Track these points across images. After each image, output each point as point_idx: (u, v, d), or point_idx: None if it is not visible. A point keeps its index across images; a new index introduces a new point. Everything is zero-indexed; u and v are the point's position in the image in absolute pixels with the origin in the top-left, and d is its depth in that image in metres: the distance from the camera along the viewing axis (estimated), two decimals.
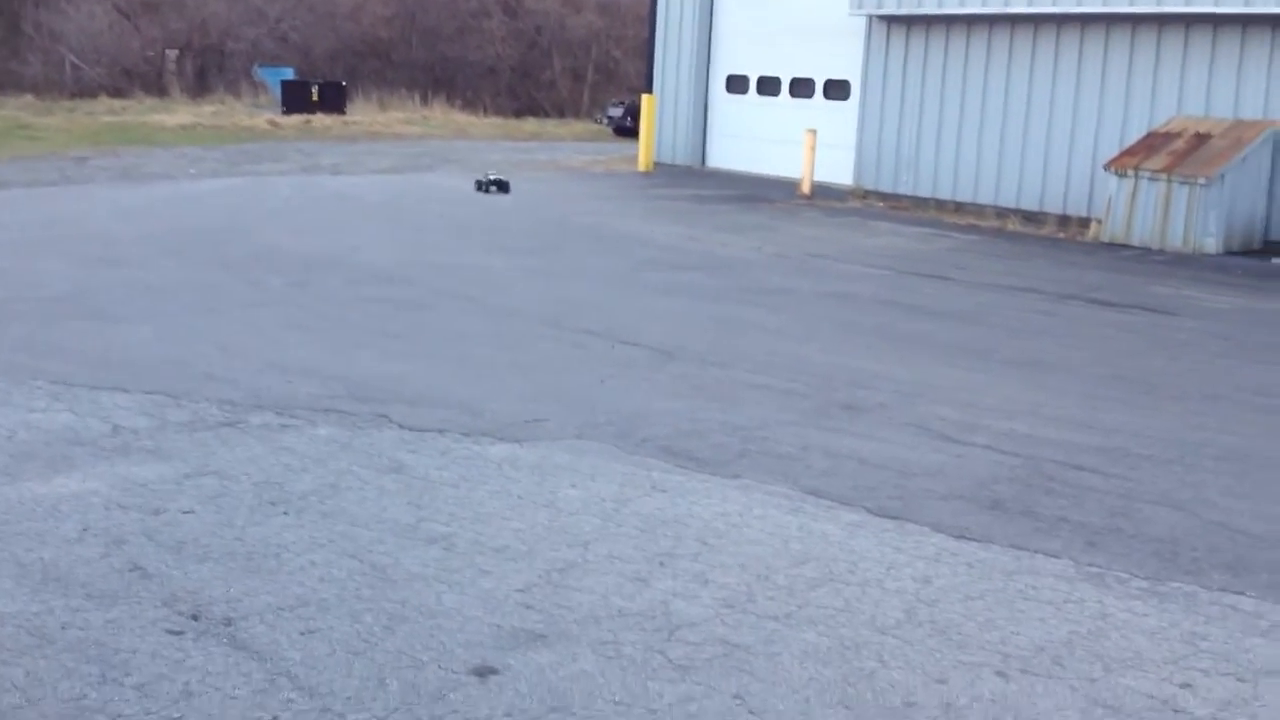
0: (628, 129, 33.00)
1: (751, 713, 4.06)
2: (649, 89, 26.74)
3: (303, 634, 4.48)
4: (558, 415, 7.60)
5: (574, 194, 21.51)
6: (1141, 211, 16.56)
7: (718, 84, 26.31)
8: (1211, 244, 15.89)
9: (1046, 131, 18.87)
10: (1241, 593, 5.24)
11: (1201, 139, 16.42)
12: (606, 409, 7.81)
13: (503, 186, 19.67)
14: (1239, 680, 4.44)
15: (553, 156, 28.75)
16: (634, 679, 4.24)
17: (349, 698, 4.04)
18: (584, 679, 4.23)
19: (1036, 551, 5.64)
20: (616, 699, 4.11)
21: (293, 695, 4.05)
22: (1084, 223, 17.76)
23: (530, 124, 39.31)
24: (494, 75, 45.44)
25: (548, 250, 14.86)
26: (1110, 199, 16.96)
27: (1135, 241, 16.52)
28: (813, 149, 21.77)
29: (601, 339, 9.89)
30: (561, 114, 44.18)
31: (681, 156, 26.51)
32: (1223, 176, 15.80)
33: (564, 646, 4.47)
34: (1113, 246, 16.55)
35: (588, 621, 4.68)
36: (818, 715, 4.05)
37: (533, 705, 4.05)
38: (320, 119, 34.69)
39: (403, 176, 22.84)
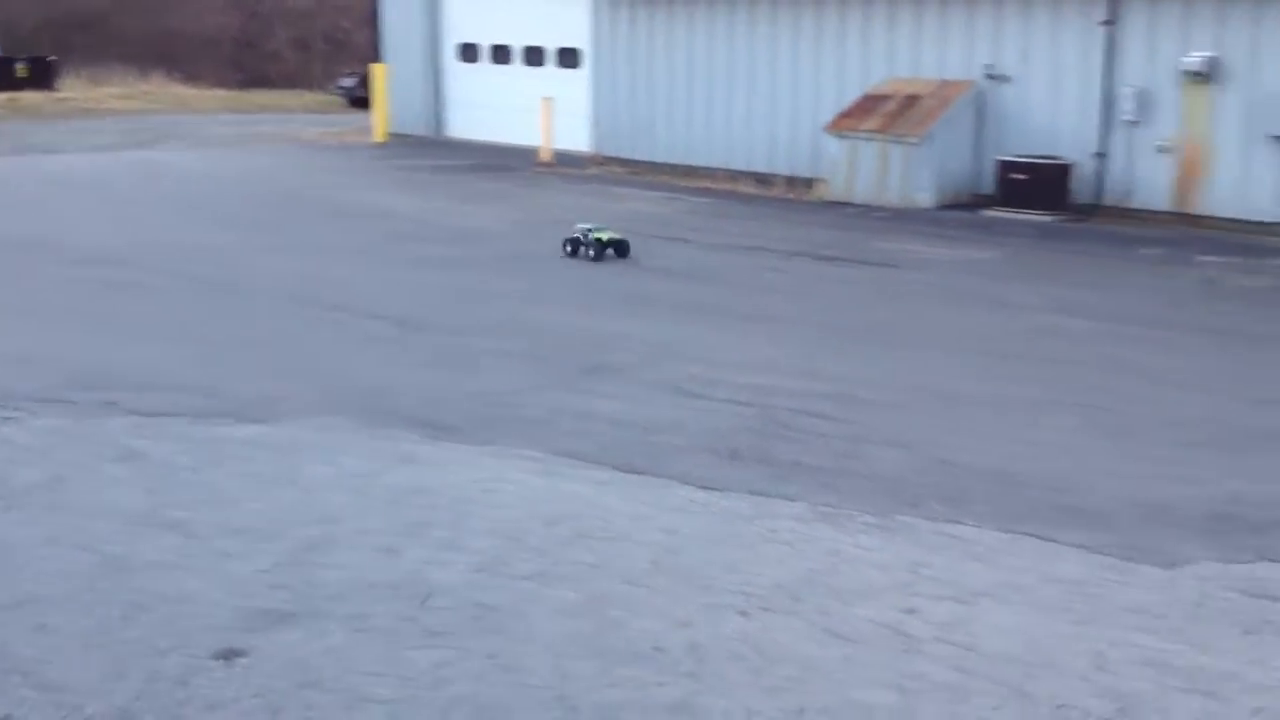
0: (362, 100, 32.30)
1: (505, 670, 4.12)
2: (379, 59, 26.24)
3: (34, 630, 4.29)
4: (301, 392, 7.45)
5: (308, 167, 20.95)
6: (861, 171, 17.35)
7: (450, 52, 26.05)
8: (926, 199, 16.80)
9: (771, 96, 19.52)
10: (960, 522, 5.62)
11: (912, 100, 17.30)
12: (352, 383, 7.70)
13: None
14: (959, 602, 4.77)
15: (284, 129, 27.89)
16: (387, 649, 4.25)
17: (87, 689, 3.90)
18: (335, 654, 4.21)
19: (774, 496, 5.90)
20: (370, 670, 4.10)
21: (27, 692, 3.88)
22: (810, 183, 18.48)
23: (259, 96, 37.95)
24: (215, 46, 43.61)
25: (283, 226, 14.46)
26: (832, 160, 17.71)
27: (857, 199, 17.30)
28: (550, 117, 21.85)
29: (344, 313, 9.72)
30: (292, 85, 42.82)
31: (418, 127, 26.15)
32: (932, 135, 16.71)
33: (314, 623, 4.42)
34: (837, 205, 17.29)
35: (338, 597, 4.65)
36: (570, 667, 4.15)
37: (282, 684, 4.00)
38: (29, 96, 32.56)
39: (122, 153, 21.73)
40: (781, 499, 5.86)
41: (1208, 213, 15.36)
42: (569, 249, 12.53)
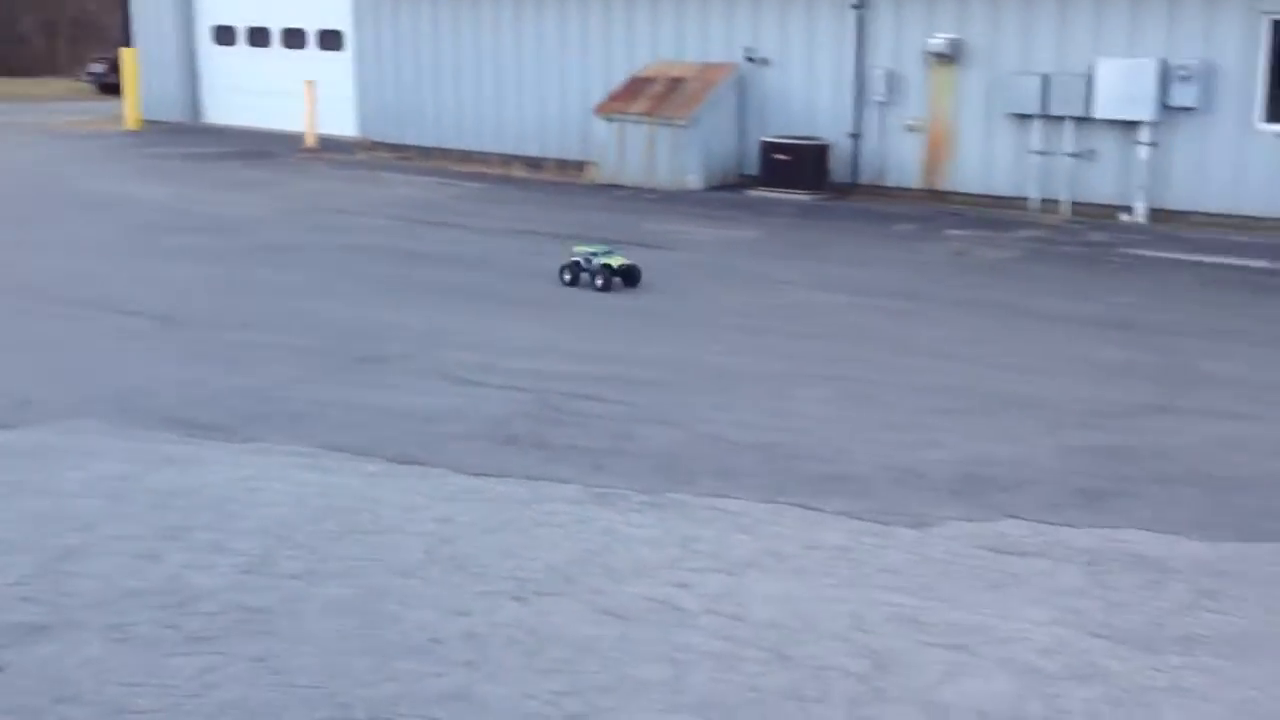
0: (113, 86, 30.80)
1: (274, 672, 4.04)
2: (130, 43, 25.08)
3: None
4: (52, 395, 7.10)
5: (58, 157, 19.89)
6: (630, 153, 17.56)
7: (204, 35, 25.11)
8: (694, 181, 17.13)
9: (540, 79, 19.53)
10: (729, 496, 5.78)
11: (677, 82, 17.60)
12: (107, 384, 7.37)
13: None
14: (727, 574, 4.92)
15: (30, 119, 26.37)
16: (148, 657, 4.10)
17: None
18: (93, 665, 4.04)
19: (549, 480, 5.94)
20: (130, 680, 3.96)
21: None
22: (581, 166, 18.59)
23: (2, 85, 35.74)
24: None
25: (28, 219, 13.69)
26: (602, 143, 17.86)
27: (628, 182, 17.51)
28: (313, 101, 21.32)
29: (97, 310, 9.29)
30: (39, 73, 40.50)
31: (173, 113, 25.13)
32: (697, 117, 17.04)
33: (70, 635, 4.24)
34: (609, 187, 17.45)
35: (95, 606, 4.46)
36: (342, 665, 4.10)
37: (38, 699, 3.83)
38: None
39: None
40: (556, 482, 5.91)
41: (955, 189, 16.15)
42: (567, 278, 10.65)
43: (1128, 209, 14.83)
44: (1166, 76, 14.40)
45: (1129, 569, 4.97)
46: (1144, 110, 14.47)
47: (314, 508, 5.50)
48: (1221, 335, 9.29)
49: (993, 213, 15.28)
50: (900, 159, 16.57)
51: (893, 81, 16.38)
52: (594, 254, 10.68)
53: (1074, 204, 15.24)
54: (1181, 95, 14.39)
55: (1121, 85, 14.57)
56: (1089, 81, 14.81)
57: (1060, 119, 15.16)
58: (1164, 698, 3.97)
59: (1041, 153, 15.35)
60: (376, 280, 10.87)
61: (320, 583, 4.73)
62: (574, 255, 10.76)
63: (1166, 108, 14.49)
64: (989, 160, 15.91)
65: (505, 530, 5.31)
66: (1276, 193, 14.21)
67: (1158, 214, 14.68)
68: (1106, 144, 15.05)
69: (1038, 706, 3.91)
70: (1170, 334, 9.28)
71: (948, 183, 16.24)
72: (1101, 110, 14.75)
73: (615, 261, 10.60)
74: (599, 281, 10.52)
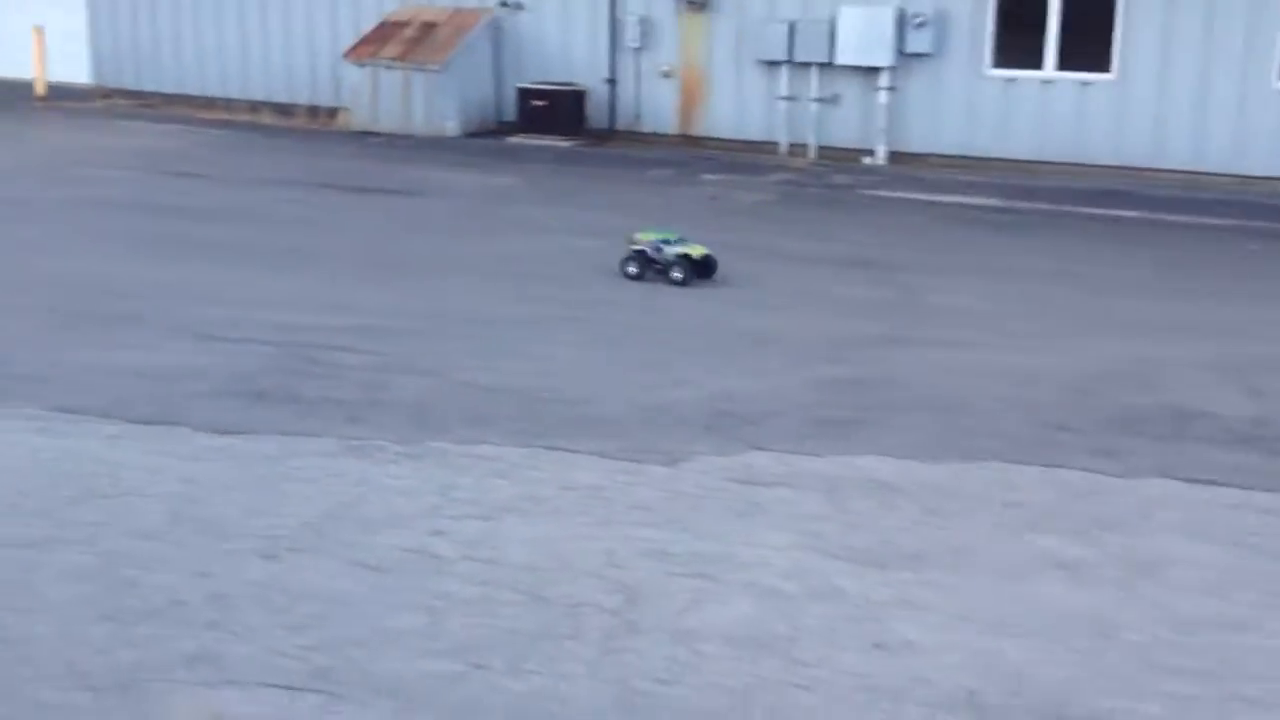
0: None
1: (8, 644, 3.88)
2: None
3: None
4: None
5: None
6: (385, 99, 17.22)
7: None
8: (451, 127, 16.94)
9: (284, 23, 18.88)
10: (486, 442, 5.81)
11: (429, 27, 17.32)
12: None
13: None
14: (484, 520, 4.95)
15: None
16: None
17: None
18: None
19: (300, 434, 5.84)
20: None
21: None
22: (334, 113, 18.12)
23: None
24: None
25: None
26: (354, 88, 17.44)
27: (382, 128, 17.17)
28: (43, 47, 20.05)
29: None
30: None
31: None
32: (452, 63, 16.83)
33: None
34: (363, 134, 17.08)
35: None
36: (80, 633, 3.97)
37: None
38: None
39: None
40: (308, 436, 5.81)
41: (709, 134, 16.48)
42: (632, 270, 9.09)
43: (870, 152, 15.44)
44: (903, 23, 15.01)
45: (864, 493, 5.24)
46: (882, 56, 15.06)
47: (50, 473, 5.26)
48: (952, 270, 9.83)
49: (745, 157, 15.66)
50: (656, 105, 16.77)
51: (646, 28, 16.53)
52: (664, 241, 9.10)
53: (820, 148, 15.76)
54: (917, 42, 15.03)
55: (861, 32, 15.12)
56: (832, 29, 15.30)
57: (806, 65, 15.62)
58: (893, 611, 4.22)
59: (789, 98, 15.79)
60: (117, 234, 10.38)
61: (56, 550, 4.54)
62: (636, 244, 9.13)
63: (903, 54, 15.11)
64: (741, 106, 16.28)
65: (254, 488, 5.20)
66: (1004, 134, 15.04)
67: (897, 156, 15.34)
68: (849, 90, 15.61)
69: (779, 626, 4.10)
70: (906, 270, 9.75)
71: (702, 128, 16.54)
72: (843, 57, 15.27)
73: (695, 251, 9.05)
74: (677, 274, 8.94)
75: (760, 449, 5.74)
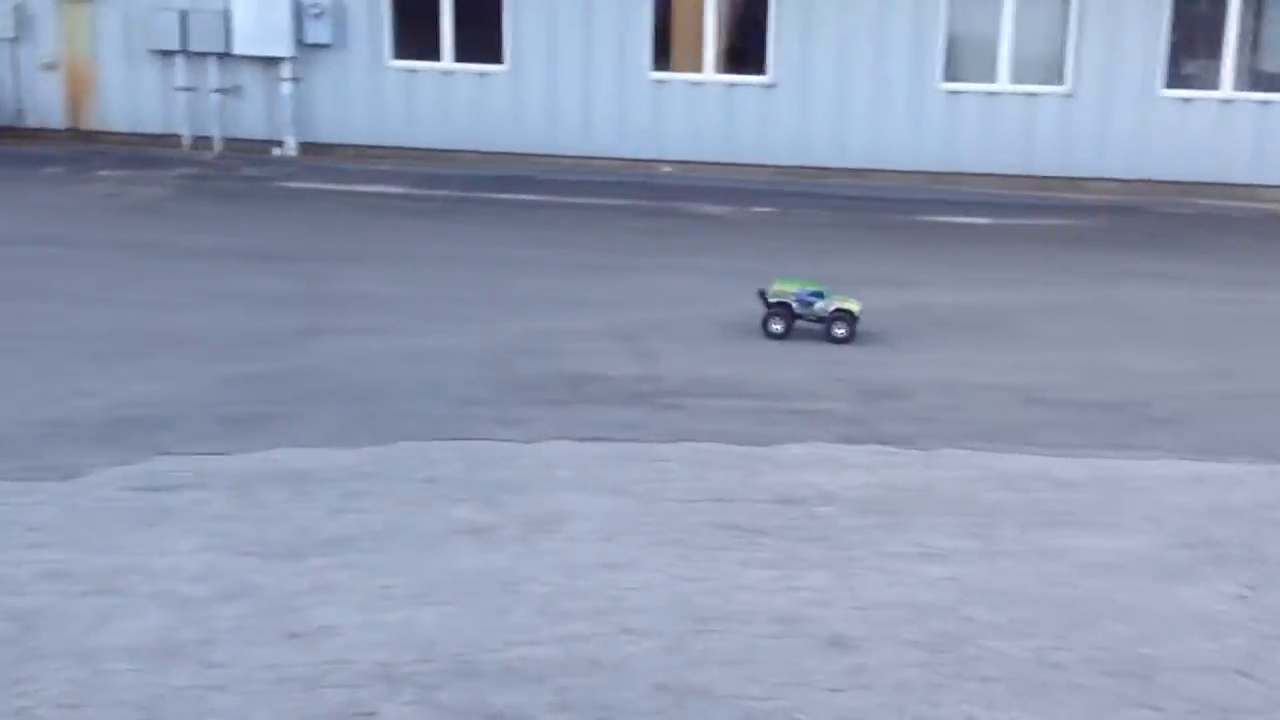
0: None
1: None
2: None
3: None
4: None
5: None
6: None
7: None
8: None
9: None
10: None
11: None
12: None
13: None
14: None
15: None
16: None
17: None
18: None
19: None
20: None
21: None
22: None
23: None
24: None
25: None
26: None
27: None
28: None
29: None
30: None
31: None
32: None
33: None
34: None
35: None
36: None
37: None
38: None
39: None
40: None
41: (103, 128, 15.49)
42: (778, 328, 8.09)
43: (279, 143, 15.22)
44: (300, 14, 14.90)
45: (278, 485, 5.22)
46: (282, 46, 14.87)
47: None
48: (365, 259, 9.96)
49: (145, 151, 14.89)
50: (41, 99, 15.52)
51: (23, 18, 15.22)
52: (813, 294, 8.17)
53: (227, 140, 15.31)
54: (317, 33, 14.99)
55: (258, 22, 14.83)
56: (227, 18, 14.88)
57: (204, 56, 15.09)
58: (309, 599, 4.26)
59: (188, 89, 15.18)
60: None
61: None
62: (777, 297, 8.16)
63: (304, 45, 15.01)
64: (135, 98, 15.44)
65: None
66: (410, 124, 15.39)
67: (309, 147, 15.24)
68: (252, 80, 15.27)
69: (189, 632, 4.01)
70: (318, 261, 9.76)
71: (95, 122, 15.51)
72: (242, 47, 14.91)
73: (850, 305, 8.13)
74: (840, 331, 8.06)
75: (166, 453, 5.54)
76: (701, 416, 6.36)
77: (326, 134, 15.36)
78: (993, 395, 6.95)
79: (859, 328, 8.10)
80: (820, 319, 8.14)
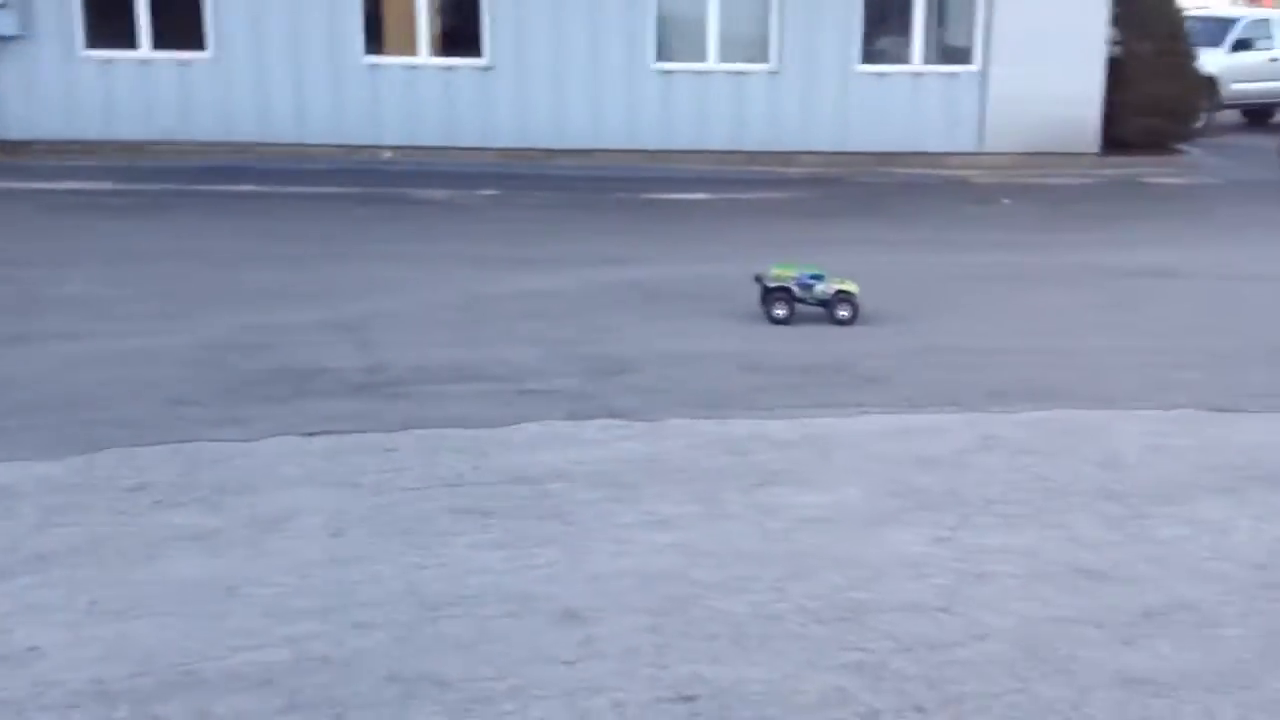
0: None
1: None
2: None
3: None
4: None
5: None
6: None
7: None
8: None
9: None
10: None
11: None
12: None
13: None
14: None
15: None
16: None
17: None
18: None
19: None
20: None
21: None
22: None
23: None
24: None
25: None
26: None
27: None
28: None
29: None
30: None
31: None
32: None
33: None
34: None
35: None
36: None
37: None
38: None
39: None
40: None
41: None
42: (780, 313, 8.11)
43: None
44: None
45: None
46: None
47: None
48: (67, 260, 9.42)
49: None
50: None
51: None
52: (813, 277, 8.18)
53: None
54: (3, 24, 14.06)
55: None
56: None
57: None
58: (15, 620, 4.01)
59: None
60: None
61: None
62: (776, 280, 8.14)
63: None
64: None
65: None
66: (109, 117, 14.62)
67: (1, 145, 14.29)
68: None
69: None
70: (16, 264, 9.19)
71: None
72: None
73: (849, 286, 8.20)
74: (843, 313, 8.15)
75: None
76: (431, 403, 6.32)
77: (17, 131, 14.46)
78: (716, 364, 7.17)
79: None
80: (822, 302, 8.19)
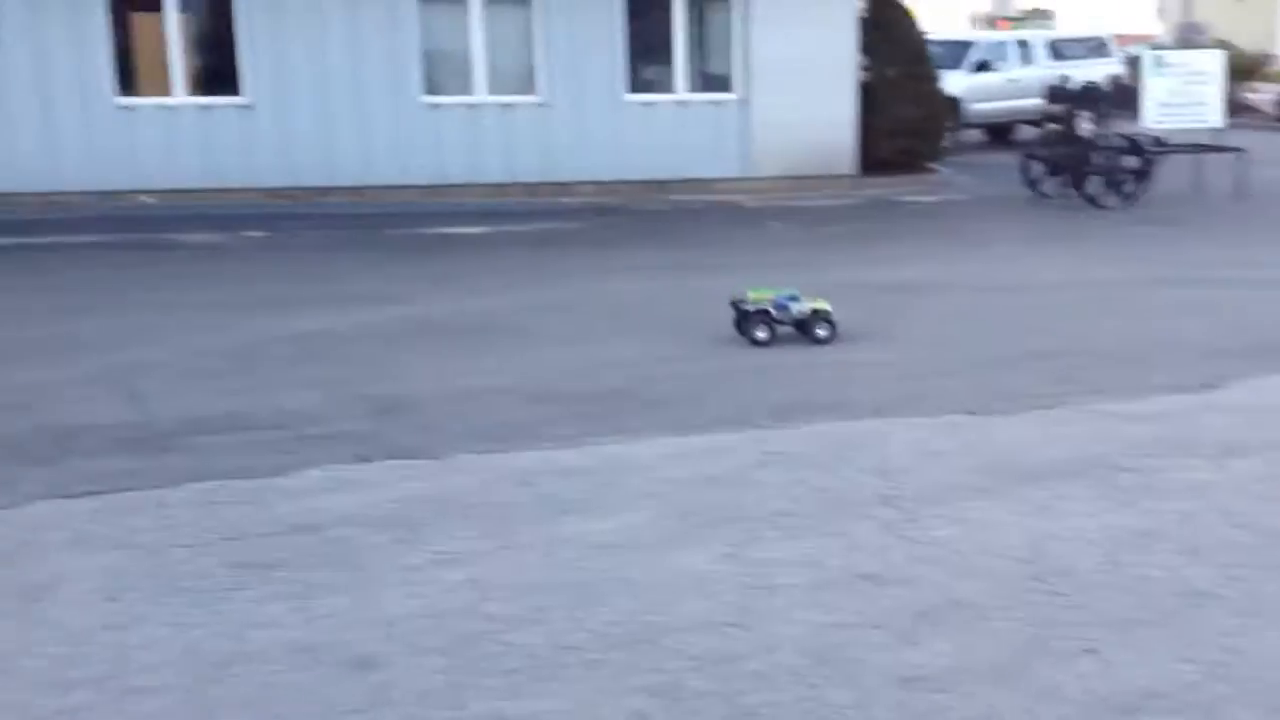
0: None
1: None
2: None
3: None
4: None
5: None
6: None
7: None
8: None
9: None
10: None
11: None
12: None
13: None
14: None
15: None
16: None
17: None
18: None
19: None
20: None
21: None
22: None
23: None
24: None
25: None
26: None
27: None
28: None
29: None
30: None
31: None
32: None
33: None
34: None
35: None
36: None
37: None
38: None
39: None
40: None
41: None
42: (762, 336, 8.27)
43: None
44: None
45: None
46: None
47: None
48: None
49: None
50: None
51: None
52: (790, 299, 8.35)
53: None
54: None
55: None
56: None
57: None
58: None
59: None
60: None
61: None
62: (751, 303, 8.34)
63: None
64: None
65: None
66: None
67: None
68: None
69: None
70: None
71: None
72: None
73: (821, 305, 8.39)
74: (821, 333, 8.34)
75: None
76: (206, 456, 6.10)
77: None
78: (500, 398, 7.15)
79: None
80: (799, 322, 8.35)
